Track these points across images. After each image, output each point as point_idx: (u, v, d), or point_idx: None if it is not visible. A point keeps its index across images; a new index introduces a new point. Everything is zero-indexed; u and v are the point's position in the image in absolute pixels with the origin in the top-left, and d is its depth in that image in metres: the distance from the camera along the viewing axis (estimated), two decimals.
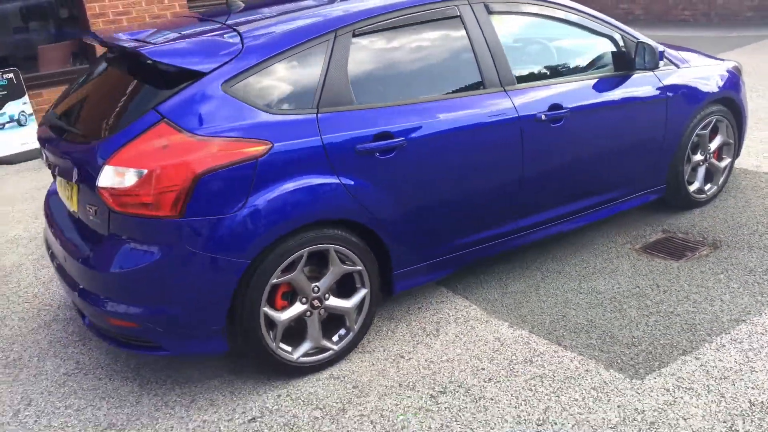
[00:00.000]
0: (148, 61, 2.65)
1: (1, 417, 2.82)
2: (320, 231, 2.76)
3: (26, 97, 6.82)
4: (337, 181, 2.75)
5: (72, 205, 2.86)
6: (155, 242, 2.52)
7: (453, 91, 3.11)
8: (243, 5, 3.33)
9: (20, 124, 6.79)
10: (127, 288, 2.57)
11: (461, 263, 3.31)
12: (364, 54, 2.92)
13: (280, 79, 2.72)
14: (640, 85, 3.69)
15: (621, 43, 3.71)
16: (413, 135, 2.91)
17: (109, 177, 2.49)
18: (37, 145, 6.85)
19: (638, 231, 4.05)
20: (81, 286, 2.74)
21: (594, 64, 3.66)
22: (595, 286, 3.45)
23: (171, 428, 2.66)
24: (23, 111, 6.81)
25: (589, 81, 3.53)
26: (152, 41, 2.79)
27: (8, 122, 6.73)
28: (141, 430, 2.66)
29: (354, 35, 2.89)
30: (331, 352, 2.94)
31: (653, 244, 3.88)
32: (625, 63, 3.66)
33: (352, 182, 2.78)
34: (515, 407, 2.59)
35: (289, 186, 2.65)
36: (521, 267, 3.71)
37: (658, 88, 3.77)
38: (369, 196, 2.83)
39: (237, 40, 2.73)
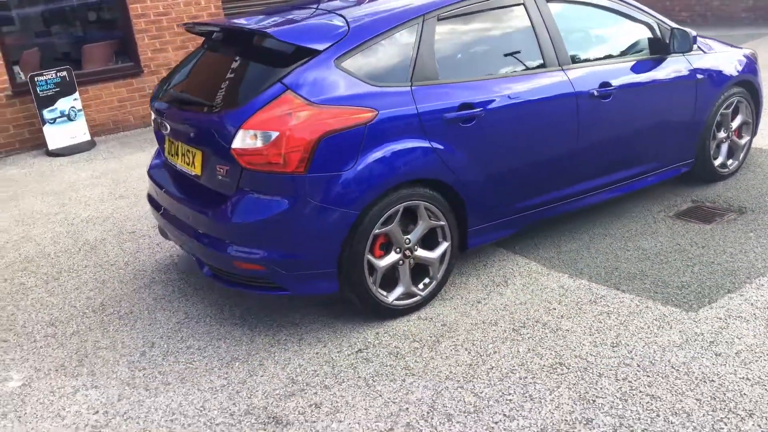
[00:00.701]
0: (269, 41, 3.07)
1: (131, 356, 3.19)
2: (413, 189, 3.17)
3: (77, 93, 7.18)
4: (428, 145, 3.16)
5: (194, 169, 3.25)
6: (282, 195, 2.92)
7: (520, 69, 3.54)
8: None
9: (70, 119, 7.16)
10: (255, 235, 2.97)
11: (523, 224, 3.73)
12: (446, 36, 3.35)
13: (380, 56, 3.14)
14: (674, 68, 4.14)
15: (656, 29, 4.16)
16: (489, 106, 3.33)
17: (242, 140, 2.90)
18: (84, 138, 7.22)
19: (669, 201, 4.49)
20: (208, 237, 3.13)
21: (633, 48, 4.10)
22: (639, 245, 3.88)
23: (288, 359, 3.05)
24: (73, 107, 7.17)
25: (630, 62, 3.98)
26: (266, 25, 3.21)
27: (59, 117, 7.10)
28: (262, 361, 3.05)
29: (438, 20, 3.32)
30: (418, 297, 3.34)
31: (685, 212, 4.32)
32: (661, 47, 4.11)
33: (441, 146, 3.20)
34: (590, 335, 3.01)
35: (391, 148, 3.06)
36: (570, 231, 4.14)
37: (689, 71, 4.22)
38: (453, 160, 3.25)
39: (343, 23, 3.15)
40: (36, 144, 7.21)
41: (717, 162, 4.67)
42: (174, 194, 3.43)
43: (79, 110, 7.22)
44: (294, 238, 2.96)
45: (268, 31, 3.04)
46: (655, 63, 4.08)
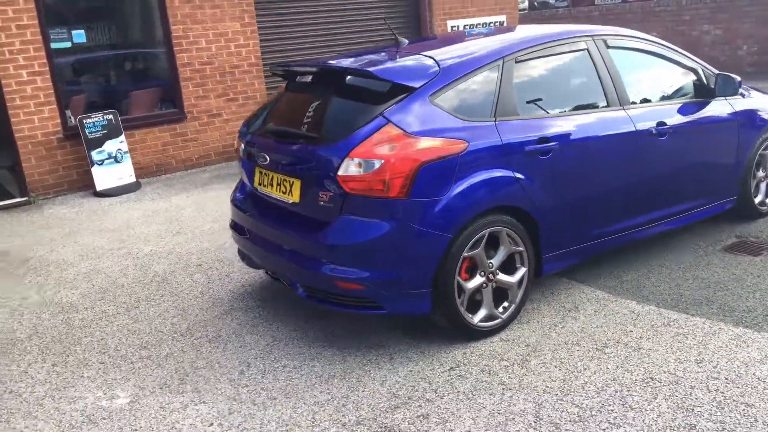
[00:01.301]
0: (367, 79, 3.35)
1: (230, 375, 3.34)
2: (497, 215, 3.40)
3: (122, 136, 7.46)
4: (512, 174, 3.41)
5: (292, 197, 3.47)
6: (383, 218, 3.14)
7: (587, 107, 3.83)
8: (407, 41, 4.08)
9: (117, 161, 7.41)
10: (358, 255, 3.18)
11: (591, 252, 3.95)
12: (522, 76, 3.64)
13: (468, 93, 3.42)
14: (720, 110, 4.44)
15: (701, 73, 4.48)
16: (563, 141, 3.60)
17: (348, 167, 3.14)
18: (130, 180, 7.47)
19: (715, 236, 4.73)
20: (308, 259, 3.33)
21: (681, 91, 4.42)
22: (697, 275, 4.09)
23: (384, 377, 3.21)
24: (120, 149, 7.44)
25: (680, 104, 4.28)
26: (360, 65, 3.51)
27: (107, 159, 7.35)
28: (359, 378, 3.20)
29: (516, 62, 3.61)
30: (499, 320, 3.52)
31: (732, 246, 4.55)
32: (706, 91, 4.42)
33: (522, 176, 3.44)
34: (672, 353, 3.19)
35: (480, 177, 3.30)
36: (628, 262, 4.35)
37: (731, 114, 4.52)
38: (532, 189, 3.49)
39: (433, 63, 3.44)
40: (83, 185, 7.44)
41: (757, 200, 4.93)
42: (266, 221, 3.65)
43: (126, 152, 7.48)
44: (394, 258, 3.17)
45: (369, 69, 3.32)
46: (702, 105, 4.39)
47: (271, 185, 3.66)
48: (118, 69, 8.08)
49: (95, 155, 7.30)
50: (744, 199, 4.80)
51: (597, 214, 3.86)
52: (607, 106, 3.90)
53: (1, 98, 6.90)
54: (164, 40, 7.82)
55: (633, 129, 3.91)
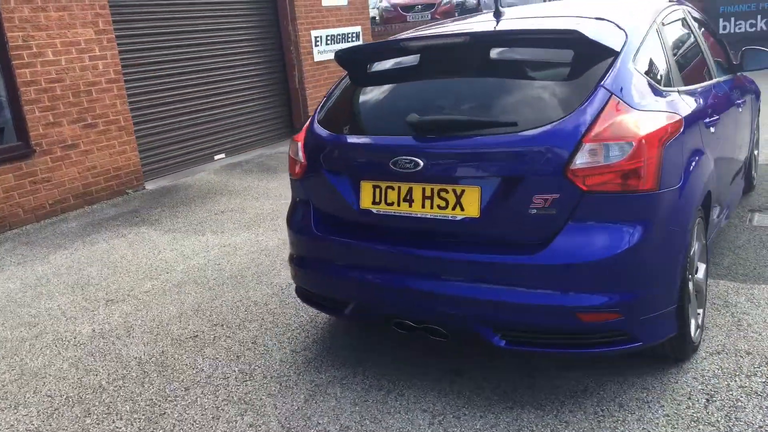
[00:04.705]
0: (553, 42, 2.56)
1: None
2: (702, 202, 2.82)
3: None
4: (706, 153, 2.88)
5: (464, 212, 2.49)
6: (636, 219, 2.37)
7: (706, 77, 3.50)
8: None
9: None
10: (606, 274, 2.35)
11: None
12: (667, 42, 3.12)
13: (651, 59, 2.81)
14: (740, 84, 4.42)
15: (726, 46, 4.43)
16: (721, 112, 3.21)
17: (585, 156, 2.30)
18: None
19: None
20: (519, 291, 2.39)
21: (721, 64, 4.29)
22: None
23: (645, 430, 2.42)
24: None
25: (729, 77, 4.12)
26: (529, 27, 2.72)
27: None
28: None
29: (663, 25, 3.10)
30: (698, 330, 2.92)
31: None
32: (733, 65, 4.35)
33: (708, 153, 2.93)
34: None
35: (696, 157, 2.71)
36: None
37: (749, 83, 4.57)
38: (713, 168, 3.00)
39: (611, 23, 2.76)
40: None
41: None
42: (410, 250, 2.60)
43: None
44: (649, 270, 2.41)
45: (572, 29, 2.51)
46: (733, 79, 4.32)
47: (410, 201, 2.62)
48: None
49: None
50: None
51: (724, 192, 3.50)
52: (710, 76, 3.59)
53: None
54: None
55: (735, 100, 3.66)
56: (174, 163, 7.64)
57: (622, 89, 2.47)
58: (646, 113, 2.48)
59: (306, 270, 2.98)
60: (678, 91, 2.86)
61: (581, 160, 2.31)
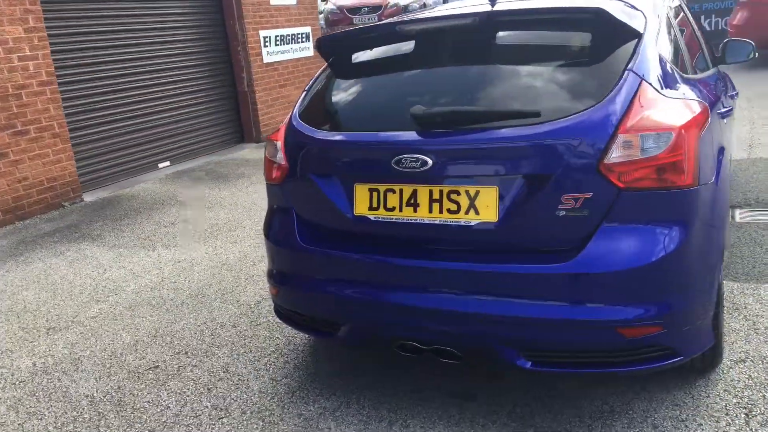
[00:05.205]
0: (568, 21, 2.28)
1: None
2: None
3: None
4: (725, 145, 2.67)
5: (479, 216, 2.17)
6: (677, 219, 2.10)
7: (705, 68, 3.29)
8: None
9: None
10: (647, 282, 2.07)
11: None
12: (673, 28, 2.91)
13: (668, 43, 2.57)
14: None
15: None
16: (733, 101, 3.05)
17: (621, 149, 2.02)
18: None
19: None
20: (550, 305, 2.09)
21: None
22: None
23: None
24: None
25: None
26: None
27: None
28: None
29: (670, 8, 2.89)
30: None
31: None
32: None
33: (724, 147, 2.72)
34: None
35: (719, 150, 2.49)
36: None
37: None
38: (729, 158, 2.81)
39: (631, 7, 2.50)
40: None
41: None
42: (425, 264, 2.27)
43: None
44: (690, 275, 2.15)
45: (595, 6, 2.22)
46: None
47: (414, 206, 2.28)
48: None
49: None
50: None
51: None
52: (708, 67, 3.41)
53: None
54: None
55: (730, 92, 3.50)
56: (115, 173, 7.05)
57: (650, 74, 2.21)
58: (676, 101, 2.23)
59: (289, 288, 2.60)
60: (694, 79, 2.64)
61: (617, 153, 2.03)
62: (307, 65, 9.66)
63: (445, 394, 2.62)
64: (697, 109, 2.23)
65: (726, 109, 3.01)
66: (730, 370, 2.61)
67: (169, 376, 3.00)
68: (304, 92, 2.77)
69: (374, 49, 2.63)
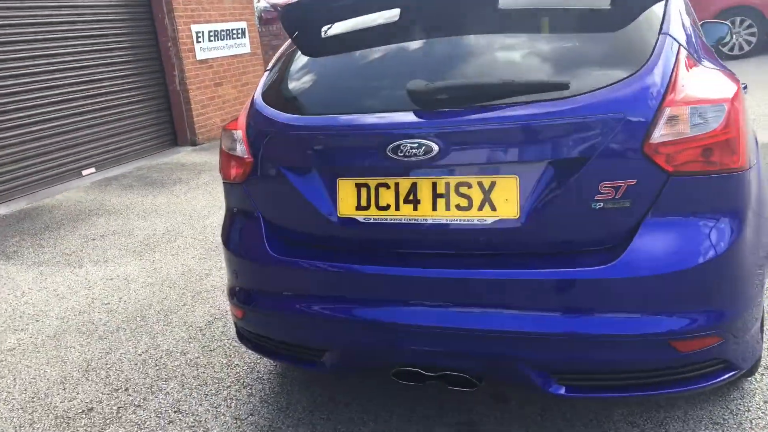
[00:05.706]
0: None
1: None
2: None
3: None
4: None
5: (497, 213, 1.77)
6: (733, 209, 1.76)
7: None
8: None
9: None
10: (703, 286, 1.73)
11: None
12: None
13: (687, 10, 2.26)
14: None
15: None
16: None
17: (668, 126, 1.68)
18: None
19: None
20: (588, 318, 1.72)
21: None
22: None
23: None
24: None
25: None
26: None
27: None
28: None
29: None
30: None
31: None
32: None
33: None
34: None
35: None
36: None
37: None
38: None
39: None
40: None
41: None
42: (429, 273, 1.85)
43: None
44: (746, 275, 1.81)
45: None
46: None
47: (414, 202, 1.87)
48: None
49: None
50: None
51: None
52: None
53: None
54: None
55: None
56: (32, 182, 6.30)
57: (684, 39, 1.89)
58: (716, 71, 1.91)
59: (257, 308, 2.13)
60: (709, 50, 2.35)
61: (663, 131, 1.68)
62: (243, 63, 9.10)
63: (446, 427, 2.22)
64: (735, 81, 1.92)
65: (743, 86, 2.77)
66: (764, 377, 2.32)
67: (107, 421, 2.47)
68: (267, 71, 2.31)
69: (353, 16, 2.20)
